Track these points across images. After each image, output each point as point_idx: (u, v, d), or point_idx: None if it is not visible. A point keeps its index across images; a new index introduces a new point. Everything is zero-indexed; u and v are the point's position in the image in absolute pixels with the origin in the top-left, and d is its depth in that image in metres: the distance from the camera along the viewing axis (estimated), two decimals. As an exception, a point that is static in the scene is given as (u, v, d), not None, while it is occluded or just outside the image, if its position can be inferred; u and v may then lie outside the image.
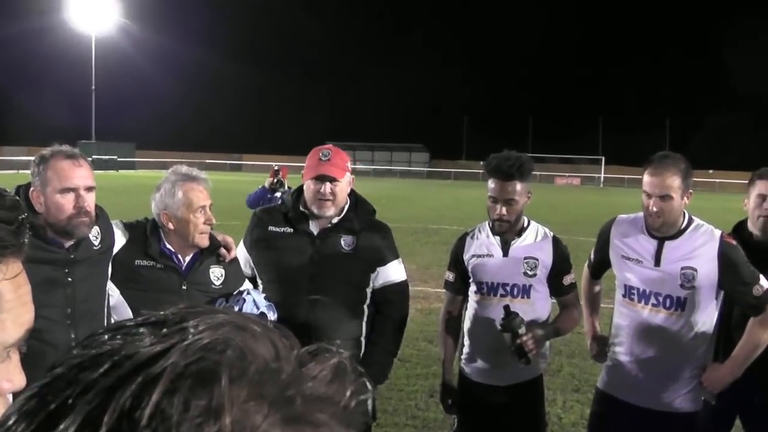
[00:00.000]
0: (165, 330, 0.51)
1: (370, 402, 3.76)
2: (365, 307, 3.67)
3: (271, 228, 3.61)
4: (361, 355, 3.66)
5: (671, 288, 3.51)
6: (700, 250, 3.49)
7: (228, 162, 77.75)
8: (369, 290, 3.67)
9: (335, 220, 3.57)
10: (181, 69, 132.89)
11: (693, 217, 3.62)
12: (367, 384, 0.53)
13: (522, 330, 3.50)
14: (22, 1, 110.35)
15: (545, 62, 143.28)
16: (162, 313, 0.54)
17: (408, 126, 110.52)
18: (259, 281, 3.66)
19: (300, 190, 3.66)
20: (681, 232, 3.55)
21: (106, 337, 0.52)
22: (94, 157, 55.36)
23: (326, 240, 3.56)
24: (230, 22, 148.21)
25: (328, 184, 3.46)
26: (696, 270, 3.47)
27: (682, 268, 3.49)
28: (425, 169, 79.84)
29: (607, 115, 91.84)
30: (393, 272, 3.71)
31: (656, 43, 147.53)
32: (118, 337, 0.52)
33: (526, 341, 3.50)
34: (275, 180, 10.09)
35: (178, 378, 0.47)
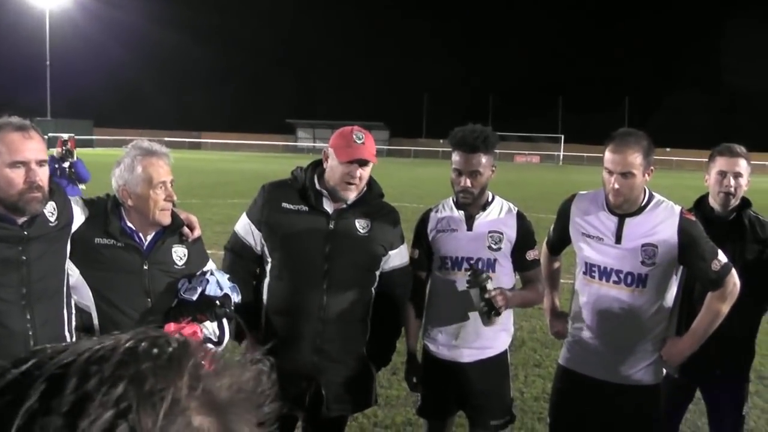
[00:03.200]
0: None
1: (373, 385, 3.78)
2: (372, 289, 3.67)
3: (285, 204, 3.52)
4: (367, 338, 3.69)
5: (632, 265, 3.52)
6: (660, 226, 3.50)
7: (187, 140, 76.80)
8: (378, 273, 3.67)
9: (350, 201, 3.52)
10: (139, 46, 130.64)
11: (653, 193, 3.62)
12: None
13: (490, 285, 3.48)
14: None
15: (505, 41, 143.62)
16: None
17: (368, 104, 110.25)
18: (269, 259, 3.57)
19: (314, 166, 3.59)
20: (641, 209, 3.55)
21: None
22: (50, 134, 54.28)
23: (341, 221, 3.51)
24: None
25: (359, 169, 3.41)
26: (657, 246, 3.48)
27: (643, 245, 3.50)
28: (385, 147, 79.37)
29: (566, 95, 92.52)
30: (401, 256, 3.74)
31: (615, 23, 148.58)
32: None
33: (495, 296, 3.46)
34: (63, 150, 11.25)
35: None
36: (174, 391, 0.56)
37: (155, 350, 0.59)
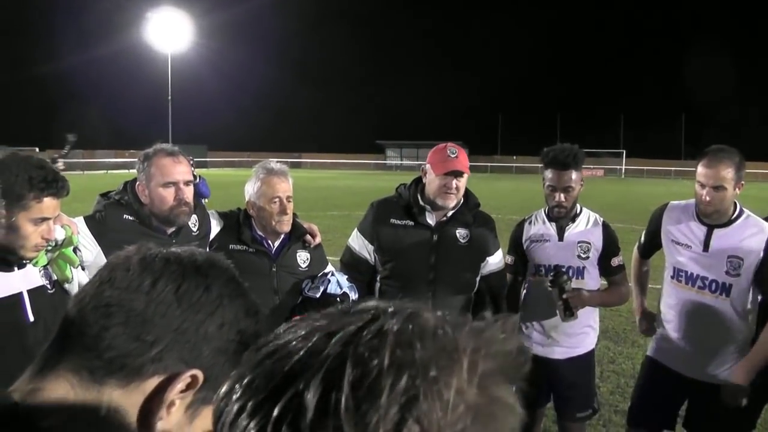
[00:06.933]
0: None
1: None
2: (473, 294, 3.63)
3: (393, 220, 3.52)
4: None
5: (717, 273, 3.40)
6: (748, 240, 3.36)
7: (289, 160, 78.09)
8: (478, 278, 3.63)
9: (450, 213, 3.50)
10: (246, 81, 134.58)
11: (743, 208, 3.48)
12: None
13: (568, 286, 3.46)
14: (109, 26, 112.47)
15: (570, 65, 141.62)
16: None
17: (448, 125, 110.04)
18: (380, 267, 3.56)
19: (416, 182, 3.58)
20: (730, 222, 3.42)
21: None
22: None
23: (444, 232, 3.49)
24: (286, 40, 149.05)
25: (455, 180, 3.39)
26: (742, 259, 3.35)
27: (729, 257, 3.37)
28: (464, 163, 79.11)
29: (627, 113, 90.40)
30: (497, 260, 3.68)
31: (670, 45, 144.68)
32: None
33: (571, 297, 3.45)
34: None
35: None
36: (457, 378, 0.50)
37: (427, 334, 0.51)
